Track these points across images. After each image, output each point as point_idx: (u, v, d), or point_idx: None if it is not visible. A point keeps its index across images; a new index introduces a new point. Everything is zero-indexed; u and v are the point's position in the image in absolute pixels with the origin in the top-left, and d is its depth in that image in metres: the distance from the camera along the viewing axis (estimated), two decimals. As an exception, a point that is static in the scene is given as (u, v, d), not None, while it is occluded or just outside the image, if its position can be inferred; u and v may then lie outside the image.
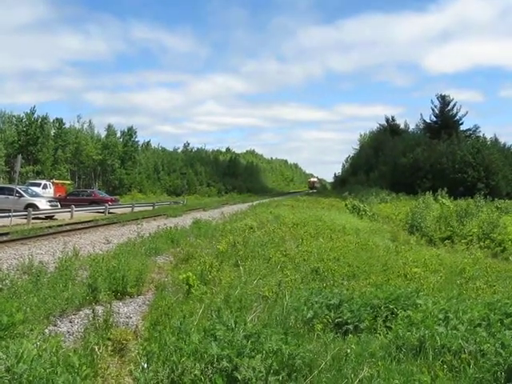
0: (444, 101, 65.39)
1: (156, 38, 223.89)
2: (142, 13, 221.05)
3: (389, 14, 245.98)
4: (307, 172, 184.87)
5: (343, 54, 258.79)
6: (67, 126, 65.78)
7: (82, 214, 26.52)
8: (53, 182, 40.42)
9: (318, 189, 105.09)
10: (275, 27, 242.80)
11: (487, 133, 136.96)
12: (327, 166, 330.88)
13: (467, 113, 66.65)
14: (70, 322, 6.28)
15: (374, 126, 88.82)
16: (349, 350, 4.75)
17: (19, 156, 21.29)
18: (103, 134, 71.71)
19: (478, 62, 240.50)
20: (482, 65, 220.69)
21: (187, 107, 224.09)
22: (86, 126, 72.47)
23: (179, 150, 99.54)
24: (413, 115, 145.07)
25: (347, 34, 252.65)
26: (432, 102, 66.47)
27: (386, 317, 5.90)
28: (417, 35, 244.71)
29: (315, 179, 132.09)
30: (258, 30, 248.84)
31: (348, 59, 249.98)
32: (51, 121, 62.41)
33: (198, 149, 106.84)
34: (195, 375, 4.02)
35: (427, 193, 33.49)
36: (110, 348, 4.90)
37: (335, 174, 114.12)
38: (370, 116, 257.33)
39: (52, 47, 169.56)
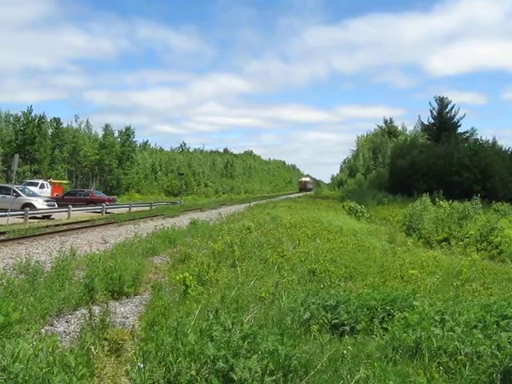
0: (442, 103, 65.15)
1: (161, 37, 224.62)
2: (147, 12, 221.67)
3: (395, 14, 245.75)
4: (305, 173, 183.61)
5: (348, 54, 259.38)
6: (65, 125, 65.66)
7: (79, 213, 26.48)
8: (50, 182, 40.40)
9: (311, 190, 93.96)
10: (281, 27, 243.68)
11: (489, 135, 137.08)
12: (326, 168, 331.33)
13: (465, 115, 66.63)
14: (67, 322, 6.27)
15: (373, 128, 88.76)
16: (345, 351, 4.76)
17: (16, 155, 21.27)
18: (101, 133, 71.53)
19: (482, 64, 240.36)
20: (485, 67, 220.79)
21: (188, 107, 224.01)
22: (83, 125, 72.33)
23: (177, 151, 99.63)
24: (414, 117, 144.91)
25: (353, 35, 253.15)
26: (430, 104, 66.42)
27: (383, 318, 5.91)
28: (422, 36, 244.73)
29: (307, 179, 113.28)
30: (264, 30, 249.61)
31: (352, 60, 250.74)
32: (48, 120, 62.27)
33: (195, 149, 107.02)
34: (191, 375, 4.02)
35: (424, 195, 33.54)
36: (106, 348, 4.90)
37: (332, 176, 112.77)
38: (371, 117, 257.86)
39: (55, 45, 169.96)
